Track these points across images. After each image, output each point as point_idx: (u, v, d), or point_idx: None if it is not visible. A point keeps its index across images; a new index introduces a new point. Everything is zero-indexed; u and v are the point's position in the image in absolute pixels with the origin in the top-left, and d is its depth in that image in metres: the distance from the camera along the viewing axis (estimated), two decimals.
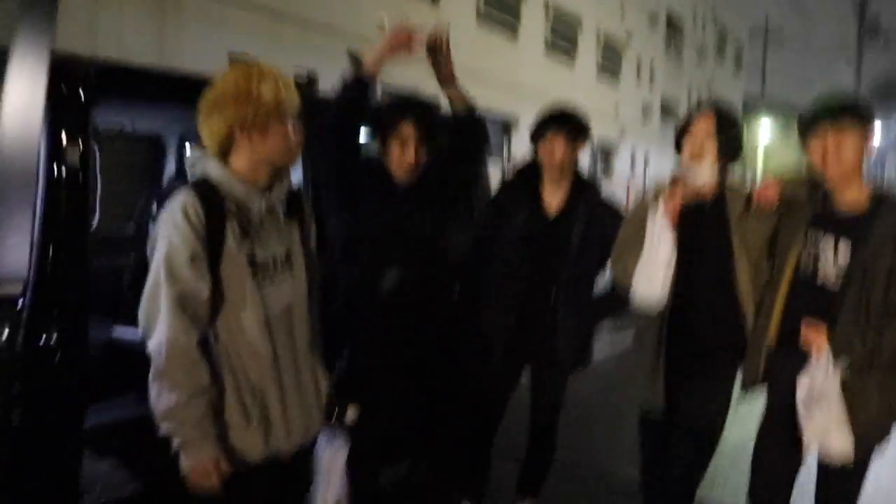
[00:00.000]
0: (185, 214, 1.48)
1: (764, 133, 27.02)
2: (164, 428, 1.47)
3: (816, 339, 2.03)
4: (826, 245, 2.12)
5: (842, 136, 2.07)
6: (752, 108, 31.40)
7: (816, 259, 2.13)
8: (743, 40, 33.54)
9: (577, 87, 17.45)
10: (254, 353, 1.56)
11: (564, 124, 2.70)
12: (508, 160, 14.26)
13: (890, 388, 2.08)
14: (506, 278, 2.73)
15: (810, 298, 2.12)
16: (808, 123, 2.15)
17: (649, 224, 2.30)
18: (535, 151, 2.75)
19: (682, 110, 26.66)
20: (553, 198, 2.76)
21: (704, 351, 2.40)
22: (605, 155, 20.85)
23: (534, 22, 16.31)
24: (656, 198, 2.35)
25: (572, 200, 2.74)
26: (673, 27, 25.55)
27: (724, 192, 2.37)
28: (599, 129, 18.96)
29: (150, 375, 1.47)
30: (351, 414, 1.88)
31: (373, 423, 2.25)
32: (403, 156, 2.37)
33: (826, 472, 2.22)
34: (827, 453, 2.08)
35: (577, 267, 2.70)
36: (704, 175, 2.33)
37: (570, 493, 3.41)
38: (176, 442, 1.48)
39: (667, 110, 25.16)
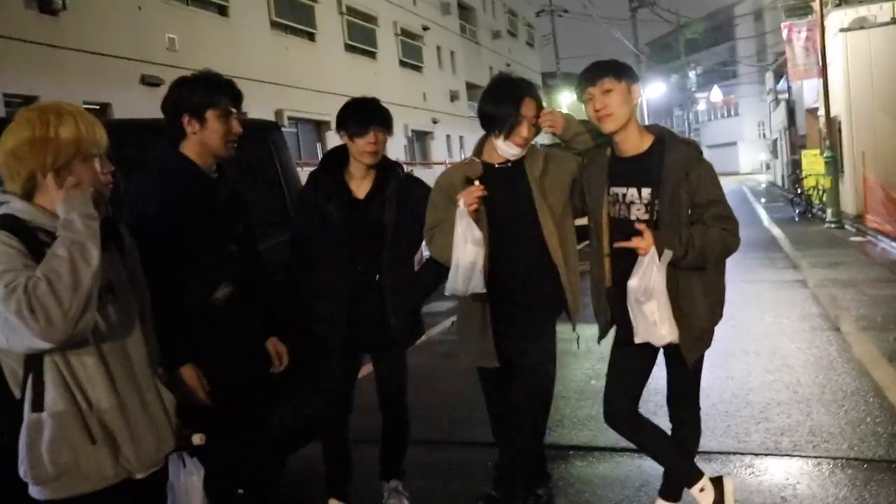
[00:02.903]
0: (2, 242, 1.47)
1: (564, 105, 29.04)
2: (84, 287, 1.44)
3: (642, 242, 2.29)
4: (631, 195, 2.44)
5: (605, 96, 2.41)
6: (549, 81, 33.65)
7: (628, 207, 2.45)
8: (532, 20, 35.75)
9: (382, 82, 17.80)
10: (89, 376, 1.59)
11: (379, 117, 2.84)
12: None
13: (710, 290, 2.45)
14: (329, 268, 2.83)
15: (629, 239, 2.38)
16: (580, 91, 2.49)
17: (456, 223, 2.50)
18: (349, 142, 2.84)
19: None
20: (362, 183, 2.89)
21: (525, 304, 2.70)
22: (422, 143, 21.49)
23: (330, 24, 16.40)
24: (465, 182, 2.58)
25: (380, 183, 2.89)
26: (465, 15, 26.73)
27: (523, 156, 2.67)
28: (411, 120, 19.54)
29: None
30: (198, 439, 1.89)
31: (223, 445, 2.21)
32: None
33: (671, 374, 2.57)
34: (657, 341, 2.34)
35: (395, 247, 2.84)
36: (522, 153, 2.65)
37: (436, 465, 3.61)
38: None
39: (472, 94, 26.32)
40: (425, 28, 22.06)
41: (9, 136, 1.56)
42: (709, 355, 2.56)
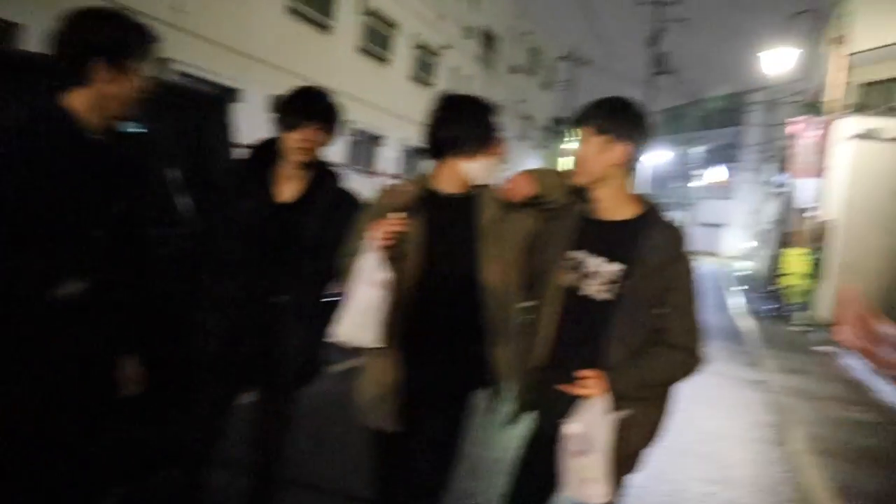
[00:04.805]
0: None
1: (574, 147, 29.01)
2: None
3: (594, 388, 1.94)
4: (594, 265, 2.08)
5: (584, 145, 2.09)
6: (559, 127, 33.56)
7: (585, 276, 2.08)
8: (553, 62, 35.78)
9: (390, 91, 17.47)
10: None
11: (319, 112, 2.48)
12: None
13: (651, 417, 2.10)
14: (221, 274, 2.43)
15: (579, 316, 2.07)
16: (574, 128, 2.17)
17: (364, 257, 2.10)
18: (281, 134, 2.49)
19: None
20: (289, 185, 2.50)
21: (445, 368, 2.23)
22: (415, 161, 21.16)
23: (347, 21, 16.03)
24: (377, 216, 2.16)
25: (311, 189, 2.51)
26: (488, 43, 26.60)
27: (475, 191, 2.26)
28: (410, 135, 19.22)
29: None
30: None
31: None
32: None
33: None
34: (585, 500, 2.00)
35: (310, 263, 2.45)
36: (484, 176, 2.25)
37: None
38: None
39: None
40: (445, 47, 21.80)
41: None
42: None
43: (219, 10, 11.60)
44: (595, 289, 2.06)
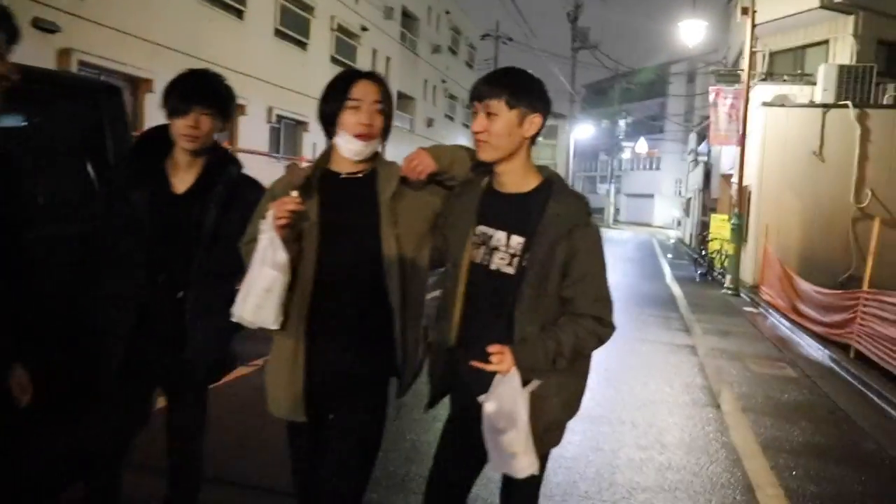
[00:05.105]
0: None
1: None
2: None
3: (502, 363, 1.89)
4: (497, 239, 2.04)
5: (487, 119, 2.01)
6: None
7: (492, 252, 2.05)
8: (475, 42, 35.87)
9: (310, 74, 17.11)
10: None
11: (208, 96, 2.36)
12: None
13: (567, 387, 2.08)
14: (122, 274, 2.32)
15: (489, 292, 2.03)
16: (469, 101, 2.09)
17: (259, 237, 2.02)
18: (169, 121, 2.36)
19: (419, 103, 27.69)
20: (184, 174, 2.41)
21: (351, 352, 2.14)
22: None
23: (263, 4, 15.59)
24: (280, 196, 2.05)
25: (207, 177, 2.41)
26: (408, 24, 26.37)
27: (375, 168, 2.19)
28: None
29: None
30: None
31: None
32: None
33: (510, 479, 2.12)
34: (513, 473, 1.98)
35: (210, 258, 2.34)
36: (371, 149, 2.14)
37: None
38: None
39: (403, 104, 25.95)
40: (364, 28, 21.51)
41: None
42: (581, 420, 2.22)
43: None
44: (501, 263, 2.03)
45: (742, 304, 12.46)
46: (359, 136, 2.09)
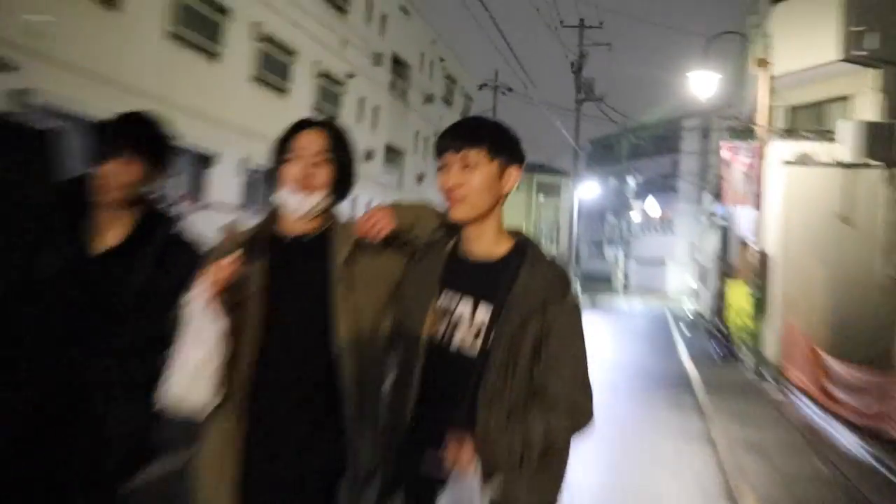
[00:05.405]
0: None
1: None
2: None
3: (460, 457, 1.79)
4: (461, 311, 1.96)
5: (465, 172, 1.95)
6: None
7: (454, 327, 1.96)
8: (472, 91, 36.57)
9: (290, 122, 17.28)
10: None
11: (129, 141, 2.29)
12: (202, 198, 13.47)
13: (538, 488, 1.95)
14: (24, 348, 2.16)
15: (448, 374, 1.93)
16: (437, 150, 2.02)
17: (191, 308, 1.92)
18: (94, 168, 2.31)
19: (409, 157, 27.98)
20: (109, 231, 2.30)
21: (292, 449, 2.02)
22: None
23: (240, 47, 15.84)
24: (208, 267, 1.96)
25: (136, 235, 2.31)
26: (399, 71, 26.86)
27: (331, 229, 2.13)
28: None
29: None
30: None
31: None
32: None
33: None
34: None
35: (132, 326, 2.23)
36: (309, 204, 2.08)
37: None
38: None
39: (391, 157, 26.20)
40: (350, 76, 21.86)
41: None
42: None
43: (88, 34, 11.15)
44: (464, 341, 1.94)
45: (765, 385, 12.24)
46: (295, 190, 2.05)
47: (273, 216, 2.16)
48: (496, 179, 1.97)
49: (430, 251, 2.09)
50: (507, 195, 2.02)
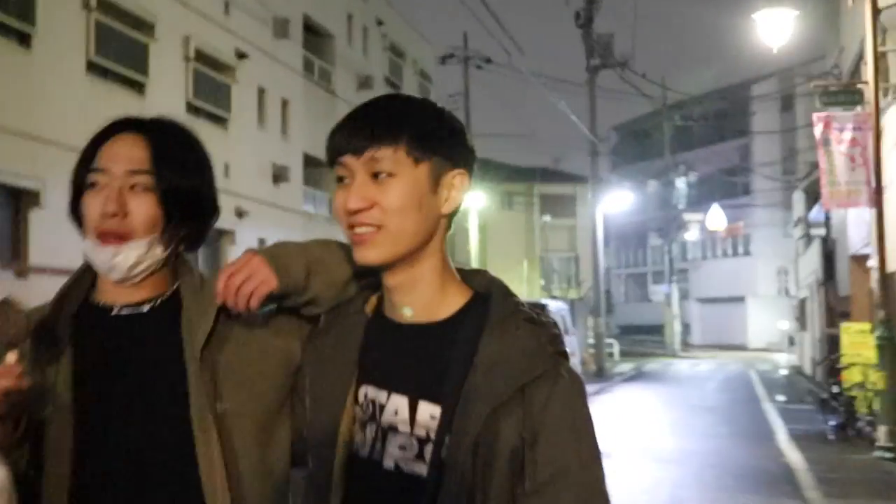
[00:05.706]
0: None
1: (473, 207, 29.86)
2: None
3: None
4: (392, 411, 1.95)
5: (373, 184, 1.88)
6: None
7: (384, 439, 1.95)
8: (428, 67, 37.17)
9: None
10: None
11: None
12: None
13: None
14: None
15: (384, 502, 1.95)
16: (329, 157, 1.96)
17: None
18: None
19: None
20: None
21: None
22: (213, 249, 21.71)
23: (60, 23, 16.19)
24: None
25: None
26: (315, 44, 27.41)
27: (177, 293, 2.13)
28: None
29: None
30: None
31: None
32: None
33: None
34: None
35: None
36: (126, 259, 2.03)
37: None
38: None
39: (312, 174, 26.56)
40: (241, 55, 22.20)
41: None
42: None
43: None
44: (403, 455, 1.92)
45: None
46: (102, 237, 2.01)
47: (83, 279, 2.16)
48: (428, 192, 1.91)
49: (341, 317, 2.08)
50: (451, 216, 1.95)
